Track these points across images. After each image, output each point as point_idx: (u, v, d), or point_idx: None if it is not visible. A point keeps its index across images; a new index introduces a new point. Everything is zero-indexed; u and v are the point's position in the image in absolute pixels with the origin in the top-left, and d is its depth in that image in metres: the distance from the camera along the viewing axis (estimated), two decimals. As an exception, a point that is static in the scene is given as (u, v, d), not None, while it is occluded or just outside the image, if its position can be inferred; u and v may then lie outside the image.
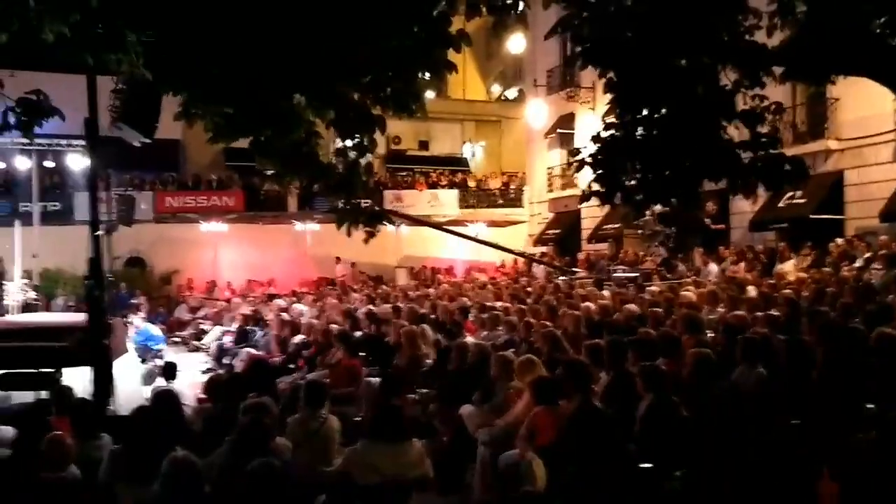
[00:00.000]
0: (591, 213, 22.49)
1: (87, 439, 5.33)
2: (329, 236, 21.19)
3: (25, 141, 17.11)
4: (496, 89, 35.36)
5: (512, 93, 34.14)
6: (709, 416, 5.26)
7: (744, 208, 16.97)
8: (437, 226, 20.81)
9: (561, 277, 17.22)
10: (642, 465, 5.06)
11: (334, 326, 10.61)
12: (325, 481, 5.08)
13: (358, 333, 10.54)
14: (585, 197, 5.22)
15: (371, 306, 13.51)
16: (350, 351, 9.06)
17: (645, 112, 4.52)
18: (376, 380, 7.98)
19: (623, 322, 8.95)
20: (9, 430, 5.78)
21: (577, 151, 4.95)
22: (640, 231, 16.99)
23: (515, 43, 24.10)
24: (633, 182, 4.79)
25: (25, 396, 8.90)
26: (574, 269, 19.02)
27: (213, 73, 4.17)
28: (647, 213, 7.55)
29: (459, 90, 30.37)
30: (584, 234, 24.07)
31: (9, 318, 13.18)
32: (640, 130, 4.61)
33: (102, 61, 5.22)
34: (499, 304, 12.47)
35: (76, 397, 6.35)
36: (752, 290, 10.84)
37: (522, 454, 5.29)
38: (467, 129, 32.36)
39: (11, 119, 4.45)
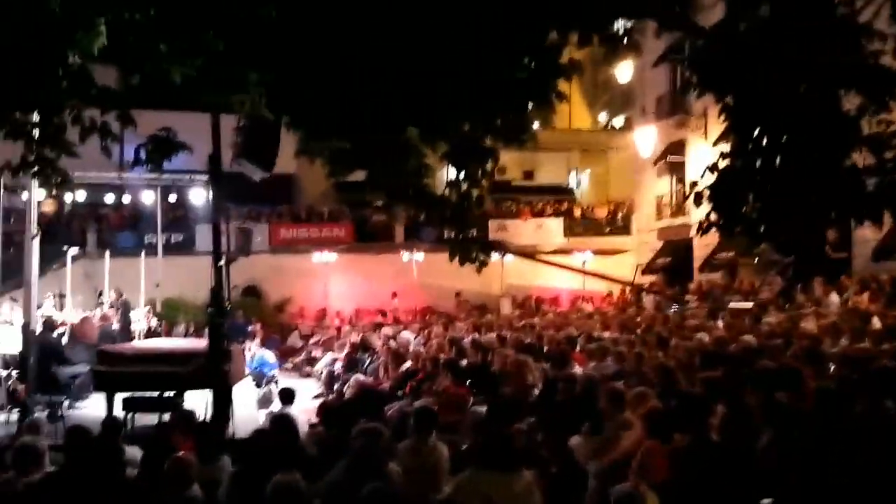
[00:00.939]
0: (704, 242, 21.81)
1: (208, 461, 5.56)
2: (435, 265, 21.47)
3: (152, 177, 18.27)
4: (603, 118, 35.04)
5: (619, 121, 33.74)
6: (832, 452, 4.99)
7: (867, 236, 16.11)
8: (546, 261, 20.64)
9: (673, 308, 16.78)
10: (763, 502, 4.85)
11: (441, 355, 10.72)
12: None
13: (464, 362, 10.60)
14: (704, 228, 5.07)
15: (476, 335, 13.57)
16: (457, 379, 9.13)
17: (765, 140, 4.38)
18: (482, 408, 7.99)
19: (739, 353, 8.63)
20: (136, 451, 6.11)
21: (694, 184, 4.82)
22: (756, 260, 16.36)
23: (623, 71, 23.84)
24: (752, 213, 4.63)
25: (149, 419, 9.42)
26: (685, 298, 18.50)
27: (331, 110, 4.34)
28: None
29: (565, 119, 30.27)
30: (696, 262, 23.40)
31: (135, 343, 13.92)
32: (759, 160, 4.47)
33: (226, 101, 5.52)
34: (607, 334, 12.29)
35: (198, 420, 6.64)
36: (876, 322, 10.27)
37: (636, 485, 5.15)
38: (573, 157, 32.16)
39: (143, 155, 4.75)
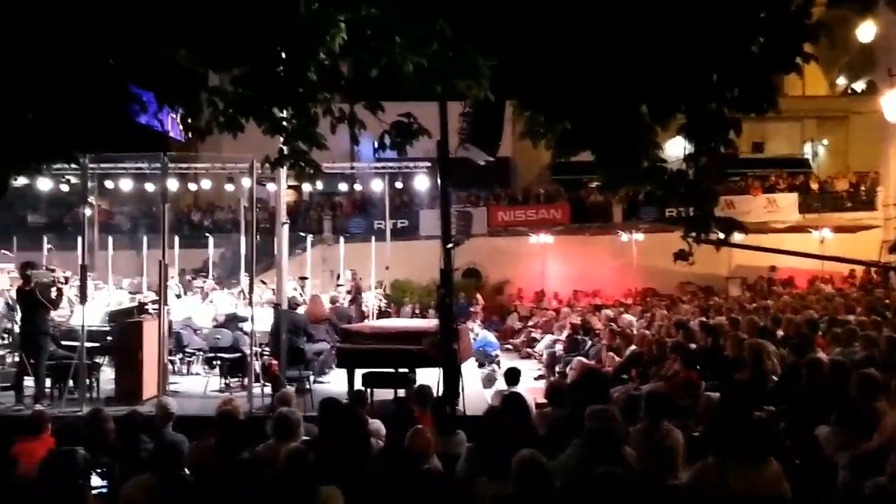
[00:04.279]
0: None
1: (445, 435, 5.81)
2: (655, 246, 20.82)
3: (380, 165, 19.29)
4: (841, 82, 32.05)
5: (860, 85, 30.69)
6: None
7: None
8: (772, 249, 19.15)
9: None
10: None
11: (667, 338, 10.41)
12: (673, 494, 4.97)
13: (692, 345, 10.22)
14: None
15: (703, 318, 13.02)
16: (686, 363, 8.81)
17: None
18: (715, 394, 7.67)
19: None
20: (379, 424, 6.51)
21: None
22: None
23: (865, 30, 21.62)
24: None
25: (385, 394, 9.98)
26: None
27: (560, 90, 4.31)
28: None
29: (797, 85, 28.01)
30: (956, 238, 20.85)
31: (373, 322, 14.80)
32: None
33: (455, 88, 5.67)
34: (852, 317, 11.32)
35: (435, 396, 6.94)
36: None
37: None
38: (808, 126, 29.73)
39: (387, 141, 5.02)
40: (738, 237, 5.00)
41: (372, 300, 17.81)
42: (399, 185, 21.41)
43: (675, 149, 4.82)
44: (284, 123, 4.97)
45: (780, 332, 10.43)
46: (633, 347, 11.33)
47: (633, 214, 24.44)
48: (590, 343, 13.74)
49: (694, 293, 21.74)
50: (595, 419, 4.83)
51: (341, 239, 20.61)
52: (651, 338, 10.96)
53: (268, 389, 10.44)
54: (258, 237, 11.74)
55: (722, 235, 4.59)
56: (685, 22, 3.96)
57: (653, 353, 10.18)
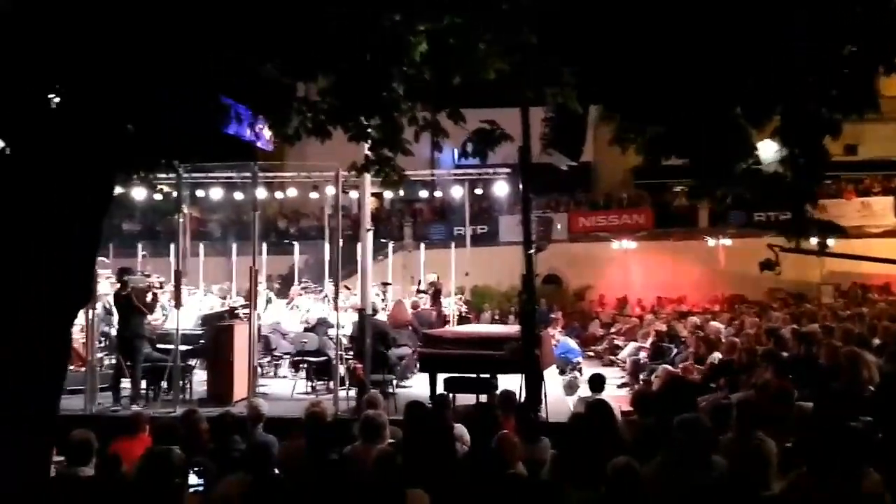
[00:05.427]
0: None
1: (530, 441, 5.79)
2: (744, 251, 20.23)
3: (460, 172, 19.37)
4: (942, 78, 30.47)
5: (963, 81, 29.11)
6: None
7: None
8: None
9: None
10: None
11: (758, 346, 10.12)
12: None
13: (784, 354, 9.91)
14: None
15: (795, 325, 12.61)
16: (779, 372, 8.55)
17: None
18: (809, 404, 7.41)
19: None
20: (463, 429, 6.53)
21: None
22: None
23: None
24: None
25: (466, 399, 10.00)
26: None
27: (650, 94, 4.26)
28: None
29: (894, 87, 26.78)
30: None
31: (454, 328, 14.87)
32: None
33: (539, 94, 5.67)
34: (957, 326, 10.77)
35: (518, 402, 6.93)
36: None
37: None
38: (905, 128, 28.38)
39: (469, 148, 5.06)
40: (830, 242, 4.83)
41: (452, 306, 17.89)
42: (479, 191, 21.39)
43: (766, 152, 4.69)
44: (370, 131, 5.07)
45: (875, 340, 10.02)
46: (717, 354, 11.08)
47: (721, 219, 23.80)
48: (675, 351, 13.48)
49: (784, 300, 21.05)
50: (684, 428, 4.74)
51: (422, 245, 20.80)
52: (741, 346, 10.68)
53: (352, 393, 10.64)
54: (341, 244, 11.97)
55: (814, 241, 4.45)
56: (782, 22, 3.86)
57: (742, 362, 9.91)
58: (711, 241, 23.92)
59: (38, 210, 4.02)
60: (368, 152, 5.33)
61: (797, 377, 8.56)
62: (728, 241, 23.37)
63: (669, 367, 12.02)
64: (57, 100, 4.28)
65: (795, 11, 3.72)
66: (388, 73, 4.83)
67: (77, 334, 10.12)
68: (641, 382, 12.48)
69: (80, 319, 9.86)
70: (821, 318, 13.71)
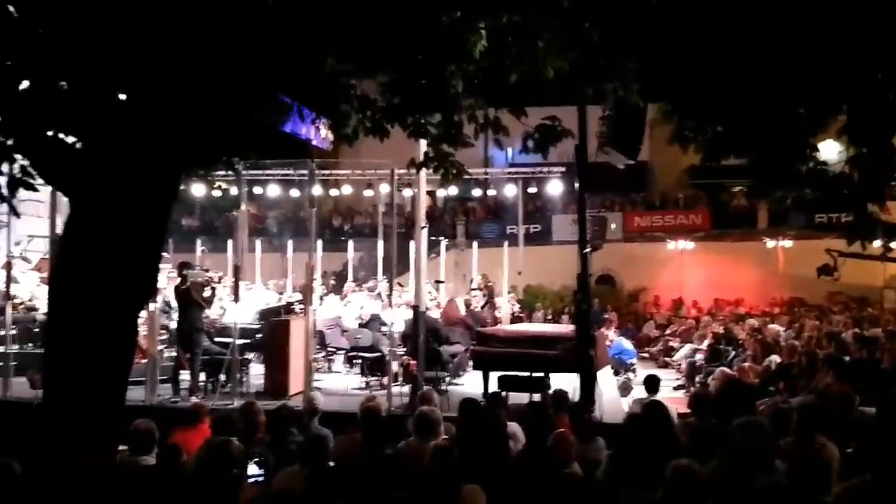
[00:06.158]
0: None
1: (585, 441, 5.75)
2: (804, 253, 19.73)
3: (513, 170, 19.31)
4: None
5: None
6: None
7: None
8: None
9: None
10: None
11: (818, 350, 9.91)
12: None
13: (846, 358, 9.68)
14: None
15: (857, 329, 12.30)
16: (841, 376, 8.34)
17: None
18: (871, 409, 7.22)
19: None
20: (516, 427, 6.51)
21: None
22: None
23: None
24: None
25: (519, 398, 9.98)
26: None
27: (712, 93, 4.20)
28: None
29: (965, 81, 25.87)
30: None
31: (507, 326, 14.85)
32: None
33: (599, 91, 5.62)
34: None
35: (572, 401, 6.89)
36: None
37: None
38: (976, 126, 27.41)
39: (530, 144, 5.04)
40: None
41: (505, 305, 17.86)
42: (532, 190, 21.29)
43: (828, 152, 4.59)
44: (429, 127, 5.09)
45: (941, 346, 9.74)
46: (774, 357, 10.86)
47: (780, 220, 23.26)
48: (733, 353, 13.24)
49: (845, 304, 20.49)
50: (744, 431, 4.66)
51: (474, 243, 20.79)
52: (801, 349, 10.45)
53: (406, 389, 10.69)
54: (395, 241, 12.05)
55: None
56: (847, 21, 3.76)
57: (802, 365, 9.70)
58: (770, 243, 23.41)
59: (108, 206, 4.14)
60: (427, 148, 5.36)
61: (859, 382, 8.36)
62: (788, 243, 22.87)
63: (727, 370, 11.80)
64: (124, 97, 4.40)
65: (860, 10, 3.62)
66: (448, 70, 4.85)
67: (139, 327, 10.37)
68: (697, 384, 12.28)
69: (142, 312, 10.11)
70: (883, 323, 13.38)
